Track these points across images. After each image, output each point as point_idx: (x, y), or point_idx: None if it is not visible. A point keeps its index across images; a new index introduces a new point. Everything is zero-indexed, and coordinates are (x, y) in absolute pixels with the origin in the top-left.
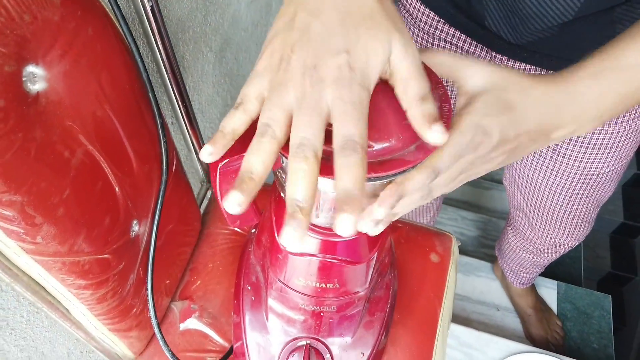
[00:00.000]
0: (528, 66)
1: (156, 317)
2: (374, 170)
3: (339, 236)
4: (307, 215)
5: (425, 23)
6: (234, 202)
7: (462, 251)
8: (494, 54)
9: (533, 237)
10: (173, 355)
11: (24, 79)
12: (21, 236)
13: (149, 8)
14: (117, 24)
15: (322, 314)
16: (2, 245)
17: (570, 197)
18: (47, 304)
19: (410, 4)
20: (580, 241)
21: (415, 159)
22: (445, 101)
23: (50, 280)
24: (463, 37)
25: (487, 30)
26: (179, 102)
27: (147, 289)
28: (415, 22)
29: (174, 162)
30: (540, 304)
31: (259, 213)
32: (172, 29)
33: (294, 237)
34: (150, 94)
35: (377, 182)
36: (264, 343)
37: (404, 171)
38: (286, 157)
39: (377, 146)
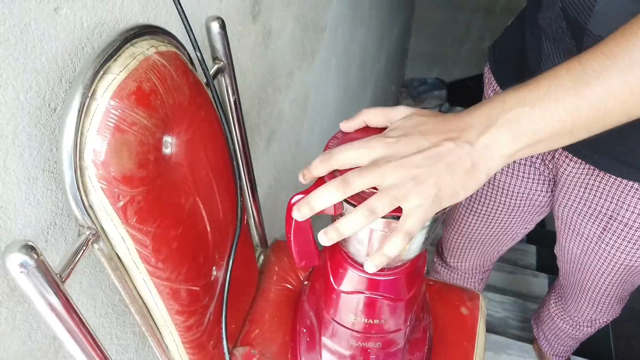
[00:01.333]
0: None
1: (229, 352)
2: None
3: (384, 275)
4: None
5: None
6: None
7: (491, 331)
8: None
9: (571, 309)
10: None
11: (162, 145)
12: (148, 259)
13: (232, 101)
14: (216, 112)
15: (369, 351)
16: (134, 268)
17: (610, 281)
18: (149, 329)
19: (489, 95)
20: (614, 317)
21: None
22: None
23: (158, 302)
24: None
25: None
26: (247, 179)
27: (221, 328)
28: None
29: (244, 220)
30: None
31: (319, 256)
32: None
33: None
34: (234, 163)
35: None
36: None
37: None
38: (352, 205)
39: None
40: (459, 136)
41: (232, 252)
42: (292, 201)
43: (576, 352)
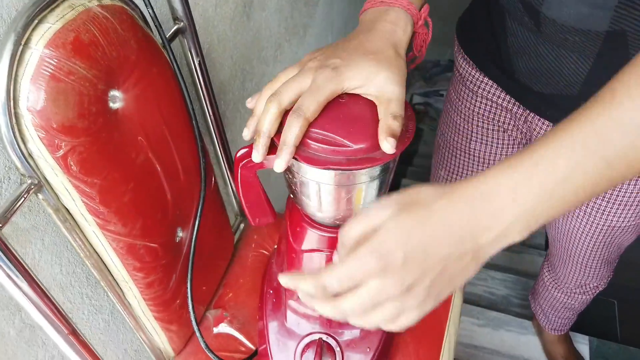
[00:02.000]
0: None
1: (194, 312)
2: (351, 164)
3: None
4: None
5: (471, 82)
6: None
7: (492, 308)
8: (528, 112)
9: (561, 276)
10: (208, 348)
11: (109, 98)
12: (97, 212)
13: (197, 62)
14: (174, 71)
15: None
16: (82, 220)
17: (595, 243)
18: (108, 284)
19: (461, 65)
20: (603, 282)
21: (382, 159)
22: (411, 120)
23: (113, 257)
24: (502, 94)
25: (518, 83)
26: (219, 145)
27: (187, 288)
28: (463, 80)
29: (212, 182)
30: (573, 356)
31: (274, 214)
32: (215, 90)
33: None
34: (193, 122)
35: (352, 173)
36: (283, 340)
37: (371, 167)
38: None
39: (355, 146)
40: (474, 255)
41: (198, 215)
42: (238, 154)
43: (579, 330)
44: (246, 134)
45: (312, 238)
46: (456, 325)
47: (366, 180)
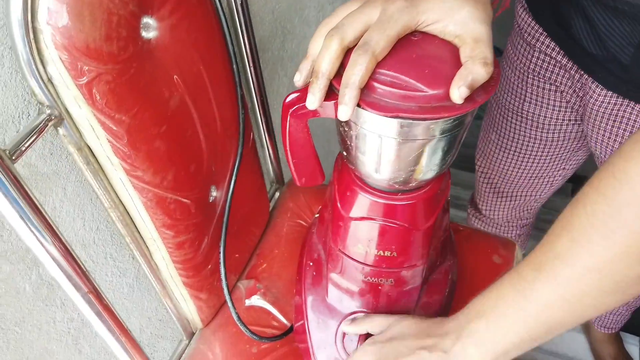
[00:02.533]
0: (610, 93)
1: (227, 280)
2: (425, 112)
3: (398, 200)
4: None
5: (529, 34)
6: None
7: None
8: (582, 72)
9: None
10: (240, 320)
11: (141, 26)
12: (124, 155)
13: (239, 3)
14: (214, 4)
15: (380, 287)
16: (108, 163)
17: None
18: (134, 241)
19: (520, 16)
20: None
21: (461, 109)
22: (496, 67)
23: (141, 210)
24: (559, 50)
25: (574, 41)
26: (259, 105)
27: (220, 252)
28: (521, 32)
29: (250, 139)
30: (624, 357)
31: (322, 174)
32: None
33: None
34: (234, 67)
35: (426, 123)
36: (324, 318)
37: (449, 117)
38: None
39: (430, 91)
40: (435, 344)
41: (235, 172)
42: (287, 100)
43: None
44: (298, 79)
45: (363, 204)
46: None
47: (437, 135)
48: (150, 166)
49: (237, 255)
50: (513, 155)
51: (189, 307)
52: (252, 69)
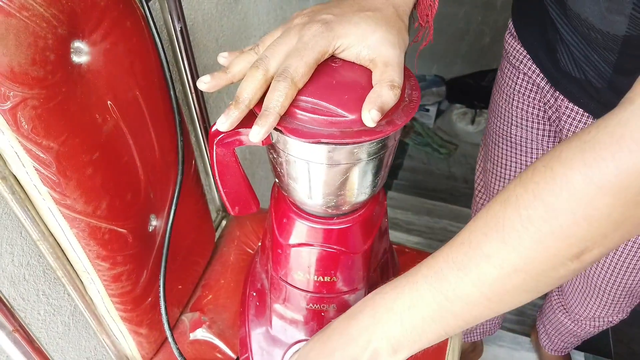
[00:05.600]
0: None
1: (167, 313)
2: (347, 137)
3: (334, 224)
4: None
5: (514, 57)
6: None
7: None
8: (562, 97)
9: (574, 303)
10: (182, 356)
11: (72, 50)
12: (53, 183)
13: (178, 29)
14: (150, 30)
15: (322, 314)
16: (35, 192)
17: (621, 267)
18: (66, 275)
19: (507, 42)
20: (621, 316)
21: (383, 132)
22: (415, 90)
23: (72, 241)
24: (539, 72)
25: (558, 66)
26: (202, 129)
27: (159, 285)
28: (507, 56)
29: (191, 166)
30: None
31: (257, 202)
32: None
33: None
34: (171, 93)
35: (349, 147)
36: (268, 349)
37: (370, 140)
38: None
39: (350, 116)
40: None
41: (175, 200)
42: (213, 129)
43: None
44: (204, 87)
45: (300, 230)
46: (459, 342)
47: (363, 159)
48: (82, 195)
49: (180, 287)
50: (507, 181)
51: (128, 344)
52: (194, 95)
